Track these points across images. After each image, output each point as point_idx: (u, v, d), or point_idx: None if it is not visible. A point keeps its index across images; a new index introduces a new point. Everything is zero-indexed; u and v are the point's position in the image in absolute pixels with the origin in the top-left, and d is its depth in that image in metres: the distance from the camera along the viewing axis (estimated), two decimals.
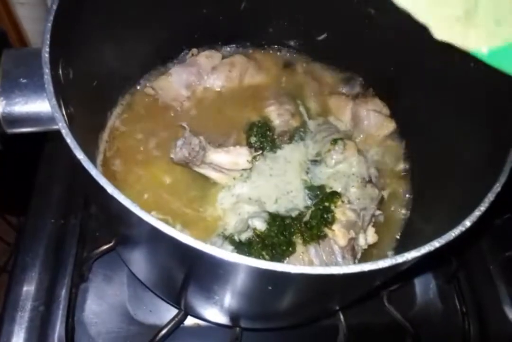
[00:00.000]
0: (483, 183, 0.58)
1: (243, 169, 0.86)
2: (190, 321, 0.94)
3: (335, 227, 0.76)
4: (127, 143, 0.92)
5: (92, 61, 0.75)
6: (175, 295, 0.78)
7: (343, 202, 0.78)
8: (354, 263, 0.75)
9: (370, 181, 0.85)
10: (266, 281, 0.50)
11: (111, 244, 0.89)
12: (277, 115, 0.96)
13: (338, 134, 0.91)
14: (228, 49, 1.07)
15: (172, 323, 0.86)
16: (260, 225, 0.77)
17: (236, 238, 0.78)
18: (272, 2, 0.97)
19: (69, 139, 0.48)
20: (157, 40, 0.95)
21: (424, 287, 1.04)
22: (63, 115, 0.51)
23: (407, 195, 0.93)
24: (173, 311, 0.91)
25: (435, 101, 0.84)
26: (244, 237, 0.77)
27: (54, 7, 0.59)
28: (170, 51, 1.02)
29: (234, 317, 0.79)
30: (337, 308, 0.85)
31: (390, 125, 0.95)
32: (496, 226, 1.12)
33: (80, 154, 0.48)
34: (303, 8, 0.97)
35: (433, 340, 0.98)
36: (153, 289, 0.89)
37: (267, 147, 0.91)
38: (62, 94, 0.55)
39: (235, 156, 0.84)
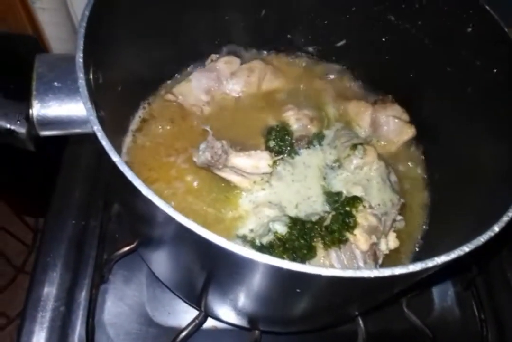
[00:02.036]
0: (507, 190, 0.58)
1: (264, 174, 0.87)
2: (208, 323, 0.94)
3: (356, 231, 0.76)
4: (149, 147, 0.93)
5: (118, 67, 0.76)
6: (196, 296, 0.79)
7: (364, 206, 0.79)
8: (376, 268, 0.75)
9: (390, 187, 0.86)
10: (293, 283, 0.51)
11: (133, 245, 0.90)
12: (296, 120, 0.96)
13: (357, 140, 0.92)
14: (247, 54, 1.08)
15: (192, 325, 0.86)
16: (281, 228, 0.78)
17: (257, 241, 0.79)
18: (292, 9, 0.98)
19: (104, 142, 0.50)
20: (179, 46, 0.97)
21: (442, 294, 1.04)
22: (97, 118, 0.52)
23: (428, 201, 0.93)
24: (191, 313, 0.92)
25: (455, 107, 0.85)
26: (265, 240, 0.78)
27: (87, 13, 0.60)
28: (191, 57, 1.03)
29: (254, 319, 0.80)
30: (357, 313, 0.85)
31: (409, 131, 0.95)
32: None
33: (115, 157, 0.49)
34: (322, 15, 0.98)
35: None
36: (174, 290, 0.90)
37: (286, 152, 0.92)
38: (94, 99, 0.57)
39: (257, 160, 0.84)
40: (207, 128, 0.85)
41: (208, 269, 0.61)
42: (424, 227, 0.91)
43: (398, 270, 0.45)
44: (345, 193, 0.86)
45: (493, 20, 0.70)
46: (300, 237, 0.77)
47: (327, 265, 0.75)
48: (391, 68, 0.96)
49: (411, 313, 0.93)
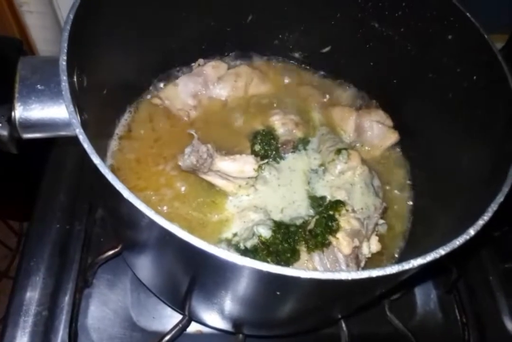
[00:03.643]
0: (486, 194, 0.60)
1: (249, 178, 0.87)
2: (192, 328, 0.94)
3: (339, 235, 0.77)
4: (136, 155, 0.93)
5: (103, 70, 0.76)
6: (180, 300, 0.79)
7: (347, 210, 0.80)
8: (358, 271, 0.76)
9: (373, 191, 0.87)
10: (274, 286, 0.51)
11: (117, 249, 0.90)
12: (281, 125, 0.97)
13: (342, 145, 0.93)
14: (234, 60, 1.09)
15: (176, 329, 0.86)
16: (265, 232, 0.79)
17: (241, 245, 0.79)
18: (278, 15, 0.99)
19: (86, 145, 0.50)
20: (166, 51, 0.98)
21: (425, 297, 1.05)
22: (79, 121, 0.52)
23: (410, 205, 0.95)
24: (176, 318, 0.91)
25: (437, 112, 0.86)
26: (249, 244, 0.79)
27: (71, 16, 0.61)
28: (178, 61, 1.04)
29: (238, 323, 0.80)
30: (340, 316, 0.86)
31: (393, 136, 0.97)
32: (496, 238, 1.14)
33: (96, 159, 0.49)
34: (308, 21, 1.00)
35: None
36: (158, 294, 0.90)
37: (271, 156, 0.92)
38: (77, 101, 0.57)
39: (242, 164, 0.85)
40: (192, 132, 0.85)
41: (191, 273, 0.61)
42: (406, 230, 0.92)
43: (375, 272, 0.46)
44: (329, 197, 0.87)
45: (473, 26, 0.72)
46: (284, 241, 0.77)
47: (310, 268, 0.76)
48: (375, 74, 0.98)
49: (393, 316, 0.94)
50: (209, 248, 0.45)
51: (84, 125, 0.54)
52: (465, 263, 1.07)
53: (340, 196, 0.85)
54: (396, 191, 0.95)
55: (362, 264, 0.79)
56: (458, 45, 0.77)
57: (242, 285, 0.54)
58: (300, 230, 0.80)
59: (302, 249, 0.78)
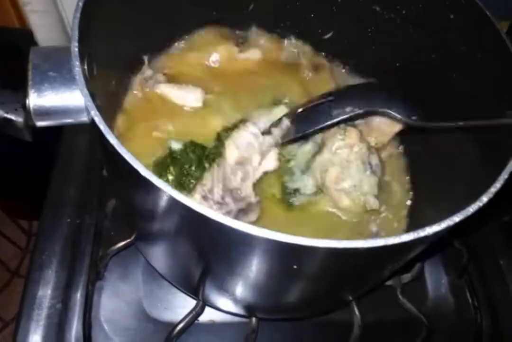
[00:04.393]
0: (491, 169, 0.60)
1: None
2: (205, 317, 0.95)
3: (227, 142, 0.79)
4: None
5: (111, 60, 0.77)
6: (195, 284, 0.79)
7: (246, 127, 0.81)
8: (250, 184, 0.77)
9: (370, 169, 0.86)
10: (291, 258, 0.52)
11: (129, 240, 0.91)
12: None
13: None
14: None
15: (189, 316, 0.87)
16: (177, 146, 0.82)
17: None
18: (279, 3, 1.00)
19: (102, 126, 0.51)
20: (168, 43, 0.99)
21: (436, 283, 1.06)
22: (95, 104, 0.53)
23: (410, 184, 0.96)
24: (187, 308, 0.91)
25: (441, 94, 0.87)
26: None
27: (81, 4, 0.62)
28: None
29: (252, 305, 0.81)
30: (351, 298, 0.87)
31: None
32: (505, 223, 1.15)
33: (113, 140, 0.50)
34: (308, 8, 1.00)
35: (446, 332, 0.99)
36: (172, 281, 0.90)
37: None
38: (89, 88, 0.58)
39: (186, 94, 0.88)
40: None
41: (206, 251, 0.62)
42: (408, 207, 0.92)
43: (391, 240, 0.46)
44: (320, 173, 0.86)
45: (475, 4, 0.72)
46: (192, 152, 0.81)
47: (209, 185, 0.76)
48: (378, 58, 0.98)
49: (406, 300, 0.94)
50: (224, 220, 0.46)
51: (98, 108, 0.55)
52: (475, 248, 1.08)
53: (334, 170, 0.84)
54: (396, 170, 0.96)
55: (254, 180, 0.78)
56: (460, 24, 0.77)
57: (256, 258, 0.54)
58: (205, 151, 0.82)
59: (206, 165, 0.80)
